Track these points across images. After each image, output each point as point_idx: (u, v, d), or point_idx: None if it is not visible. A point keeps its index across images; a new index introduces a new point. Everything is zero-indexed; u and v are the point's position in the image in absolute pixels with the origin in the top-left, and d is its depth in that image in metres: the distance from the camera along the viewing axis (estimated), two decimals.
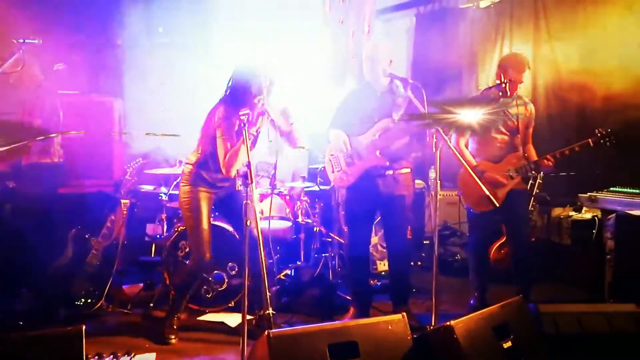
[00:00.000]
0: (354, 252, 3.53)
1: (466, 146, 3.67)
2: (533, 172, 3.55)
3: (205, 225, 3.17)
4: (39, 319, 3.37)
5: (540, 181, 4.37)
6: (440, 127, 2.65)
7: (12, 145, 2.41)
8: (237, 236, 3.59)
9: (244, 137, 2.64)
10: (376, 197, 3.38)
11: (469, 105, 2.76)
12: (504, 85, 3.02)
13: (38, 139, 3.34)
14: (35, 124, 3.39)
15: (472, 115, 2.72)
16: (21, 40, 3.10)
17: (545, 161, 3.46)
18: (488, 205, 3.47)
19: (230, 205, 3.37)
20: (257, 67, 3.18)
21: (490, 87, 3.19)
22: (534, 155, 3.63)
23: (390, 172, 3.35)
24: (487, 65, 5.60)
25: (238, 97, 3.12)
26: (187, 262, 3.30)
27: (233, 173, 3.16)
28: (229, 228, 3.67)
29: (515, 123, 3.56)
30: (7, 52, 3.14)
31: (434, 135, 2.67)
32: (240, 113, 2.76)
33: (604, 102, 4.61)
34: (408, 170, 3.43)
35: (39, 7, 4.54)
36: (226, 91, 3.21)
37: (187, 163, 3.29)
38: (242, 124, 2.68)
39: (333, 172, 3.50)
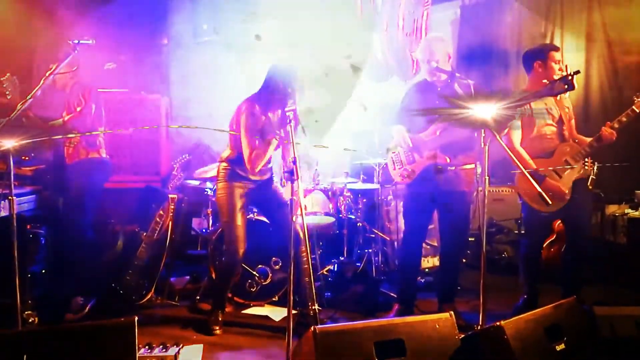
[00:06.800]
0: (408, 248, 3.50)
1: (521, 144, 3.45)
2: (590, 156, 3.35)
3: (239, 221, 3.20)
4: (94, 311, 3.51)
5: (594, 177, 4.16)
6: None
7: (33, 139, 2.42)
8: (271, 228, 3.59)
9: (290, 134, 2.62)
10: (436, 193, 3.32)
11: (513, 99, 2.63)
12: (570, 77, 2.80)
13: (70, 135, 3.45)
14: (73, 123, 3.49)
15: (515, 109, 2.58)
16: (76, 41, 3.18)
17: (606, 131, 3.23)
18: (550, 205, 3.30)
19: (267, 197, 3.37)
20: (295, 68, 3.18)
21: (554, 80, 2.96)
22: (586, 141, 3.41)
23: (452, 167, 3.29)
24: None
25: (271, 95, 3.15)
26: (223, 259, 3.33)
27: (257, 170, 3.18)
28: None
29: (559, 113, 3.40)
30: (62, 53, 3.22)
31: (483, 131, 2.59)
32: (287, 109, 2.75)
33: None
34: (472, 165, 3.36)
35: (91, 8, 4.71)
36: (261, 88, 3.22)
37: (220, 160, 3.34)
38: (288, 120, 2.67)
39: (394, 169, 3.48)
